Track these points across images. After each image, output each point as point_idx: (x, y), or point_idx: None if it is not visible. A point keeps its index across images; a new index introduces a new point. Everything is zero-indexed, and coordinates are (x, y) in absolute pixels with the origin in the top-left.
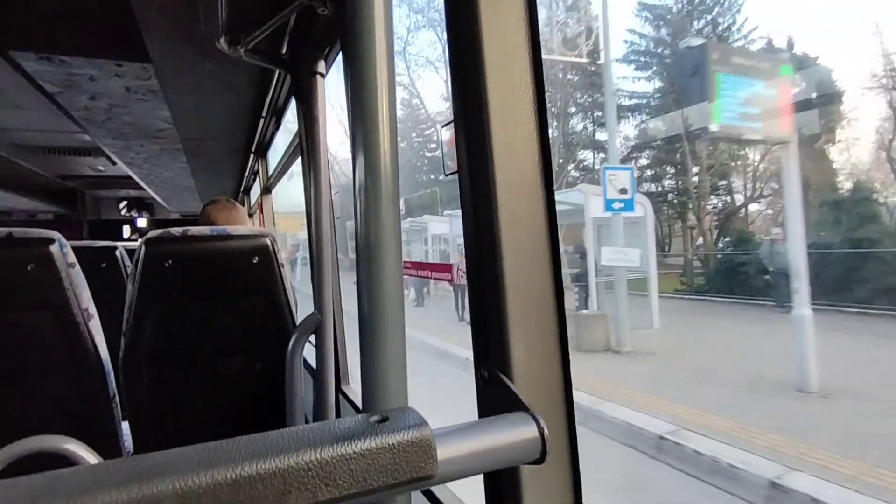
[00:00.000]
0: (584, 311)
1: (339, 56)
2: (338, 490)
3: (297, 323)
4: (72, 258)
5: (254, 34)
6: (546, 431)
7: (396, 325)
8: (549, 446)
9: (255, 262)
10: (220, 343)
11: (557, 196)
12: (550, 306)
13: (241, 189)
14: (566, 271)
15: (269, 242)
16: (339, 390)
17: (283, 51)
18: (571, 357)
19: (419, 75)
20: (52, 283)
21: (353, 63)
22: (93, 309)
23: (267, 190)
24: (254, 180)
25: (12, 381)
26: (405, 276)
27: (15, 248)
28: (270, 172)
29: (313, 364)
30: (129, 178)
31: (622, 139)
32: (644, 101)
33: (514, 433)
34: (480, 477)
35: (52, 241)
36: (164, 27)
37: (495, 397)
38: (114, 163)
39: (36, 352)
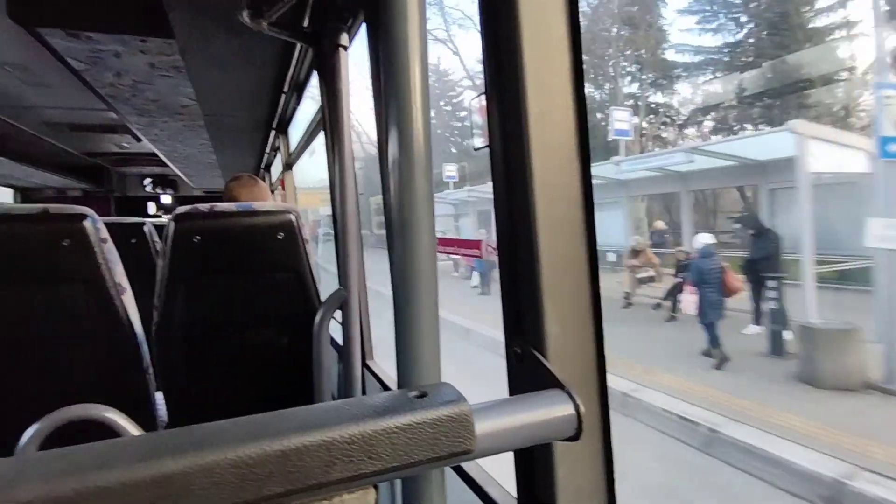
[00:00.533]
0: (817, 323)
1: (363, 28)
2: (380, 463)
3: (322, 299)
4: (104, 233)
5: (276, 7)
6: (582, 409)
7: (430, 301)
8: (584, 423)
9: (279, 237)
10: (248, 317)
11: (710, 146)
12: (585, 281)
13: (263, 166)
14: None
15: (293, 218)
16: (364, 365)
17: (305, 24)
18: (813, 393)
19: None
20: (86, 258)
21: (381, 33)
22: (125, 283)
23: (288, 166)
24: (274, 156)
25: (50, 352)
26: (460, 258)
27: (50, 224)
28: (292, 149)
29: (337, 339)
30: (153, 154)
31: None
32: None
33: (549, 410)
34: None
35: (85, 216)
36: (187, 2)
37: (528, 375)
38: (138, 139)
39: (72, 324)
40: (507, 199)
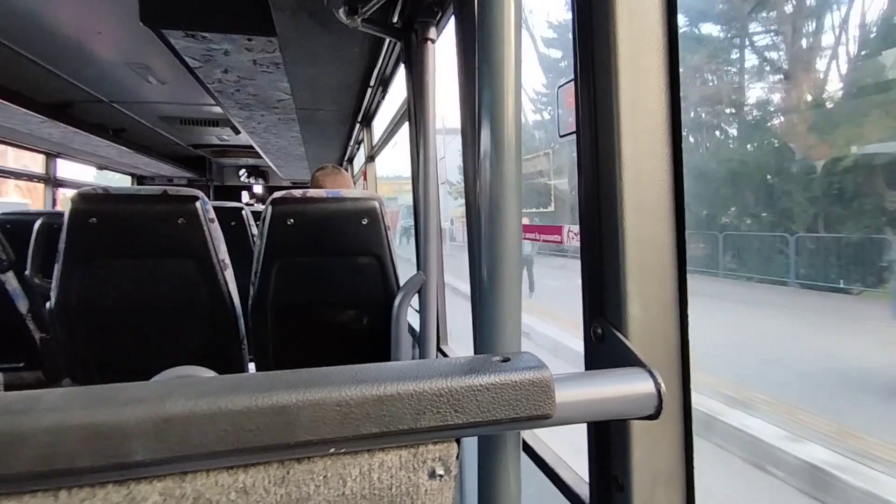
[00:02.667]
0: None
1: (451, 22)
2: (464, 417)
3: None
4: (212, 214)
5: (370, 4)
6: (663, 388)
7: (513, 276)
8: (665, 403)
9: (364, 223)
10: (333, 297)
11: None
12: (671, 265)
13: (346, 158)
14: None
15: (377, 206)
16: (438, 349)
17: (395, 20)
18: None
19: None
20: (196, 235)
21: (476, 24)
22: (228, 260)
23: (371, 158)
24: (357, 149)
25: (161, 319)
26: None
27: (169, 204)
28: (375, 141)
29: (412, 323)
30: (248, 147)
31: None
32: None
33: (629, 386)
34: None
35: (197, 198)
36: (291, 2)
37: (608, 354)
38: (237, 132)
39: (181, 295)
40: (594, 183)
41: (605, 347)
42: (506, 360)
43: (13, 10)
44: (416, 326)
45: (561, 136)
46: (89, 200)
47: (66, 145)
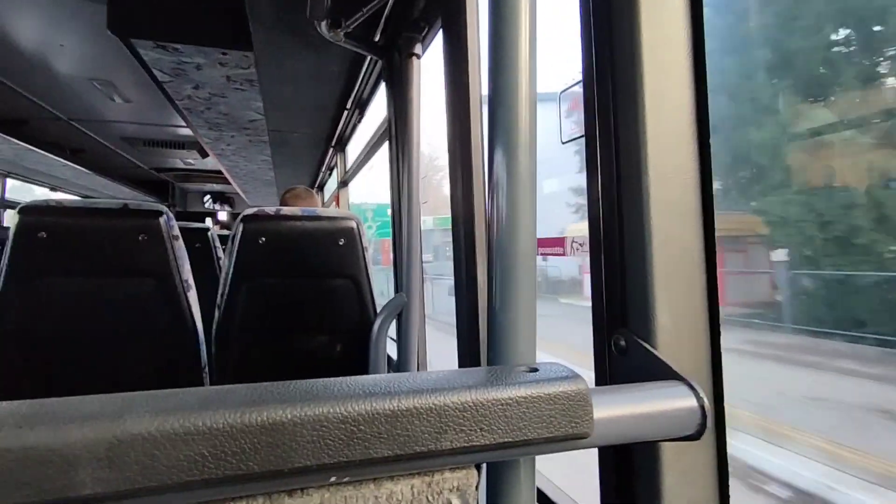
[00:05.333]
0: None
1: (438, 37)
2: (492, 436)
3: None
4: (176, 231)
5: (354, 17)
6: (707, 403)
7: (528, 283)
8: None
9: (340, 243)
10: (305, 321)
11: None
12: (700, 270)
13: (316, 185)
14: None
15: (354, 225)
16: None
17: (377, 38)
18: None
19: None
20: (158, 253)
21: (489, 28)
22: (192, 281)
23: (344, 183)
24: (329, 175)
25: (116, 342)
26: None
27: (129, 218)
28: (349, 166)
29: (388, 350)
30: (215, 172)
31: None
32: None
33: (667, 403)
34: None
35: (161, 213)
36: (270, 11)
37: (633, 368)
38: (204, 156)
39: (139, 317)
40: (612, 184)
41: (630, 361)
42: (533, 370)
43: None
44: (392, 353)
45: (563, 143)
46: (39, 212)
47: (17, 164)
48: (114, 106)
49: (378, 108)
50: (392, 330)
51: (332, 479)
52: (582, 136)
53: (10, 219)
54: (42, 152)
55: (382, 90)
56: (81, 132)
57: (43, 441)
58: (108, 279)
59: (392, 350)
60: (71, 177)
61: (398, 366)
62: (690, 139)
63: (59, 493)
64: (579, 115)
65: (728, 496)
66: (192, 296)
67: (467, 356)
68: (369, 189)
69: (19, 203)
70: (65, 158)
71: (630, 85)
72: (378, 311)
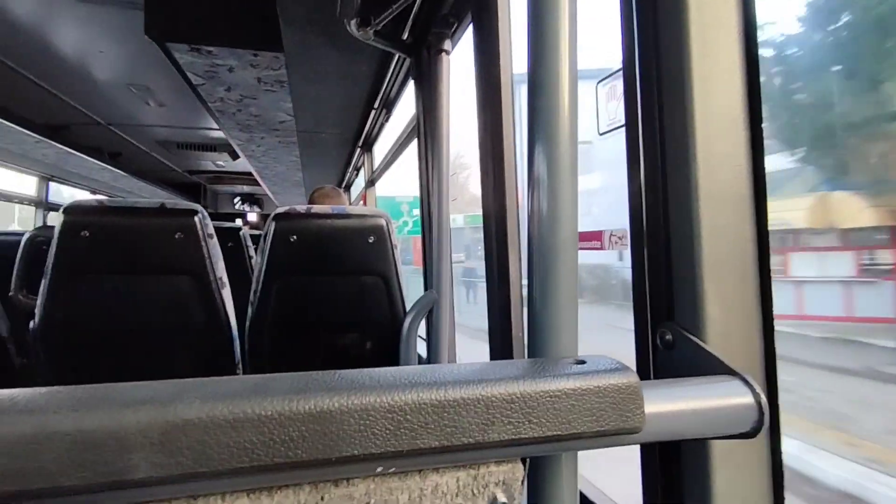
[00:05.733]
0: None
1: (466, 33)
2: (541, 429)
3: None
4: (210, 229)
5: (383, 15)
6: (763, 400)
7: (570, 276)
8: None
9: (370, 241)
10: (336, 318)
11: None
12: (752, 261)
13: (343, 185)
14: None
15: (384, 223)
16: None
17: (405, 35)
18: None
19: None
20: (194, 251)
21: (530, 16)
22: (225, 278)
23: (371, 182)
24: (356, 175)
25: (154, 337)
26: None
27: (166, 217)
28: (375, 165)
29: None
30: (245, 174)
31: None
32: None
33: (722, 399)
34: None
35: (196, 212)
36: (300, 12)
37: (682, 363)
38: (234, 157)
39: (175, 313)
40: (657, 173)
41: (678, 355)
42: (581, 362)
43: (14, 29)
44: (421, 351)
45: (601, 134)
46: (83, 212)
47: (60, 167)
48: (149, 110)
49: (404, 108)
50: (421, 328)
51: (379, 469)
52: (622, 126)
53: (56, 218)
54: (82, 156)
55: (409, 89)
56: (119, 136)
57: (99, 424)
58: (146, 276)
59: (421, 348)
60: (109, 179)
61: (429, 362)
62: (742, 125)
63: (115, 476)
64: (619, 104)
65: (783, 498)
66: (227, 293)
67: (499, 350)
68: (398, 184)
69: (60, 205)
70: (103, 162)
71: (677, 70)
72: (407, 308)
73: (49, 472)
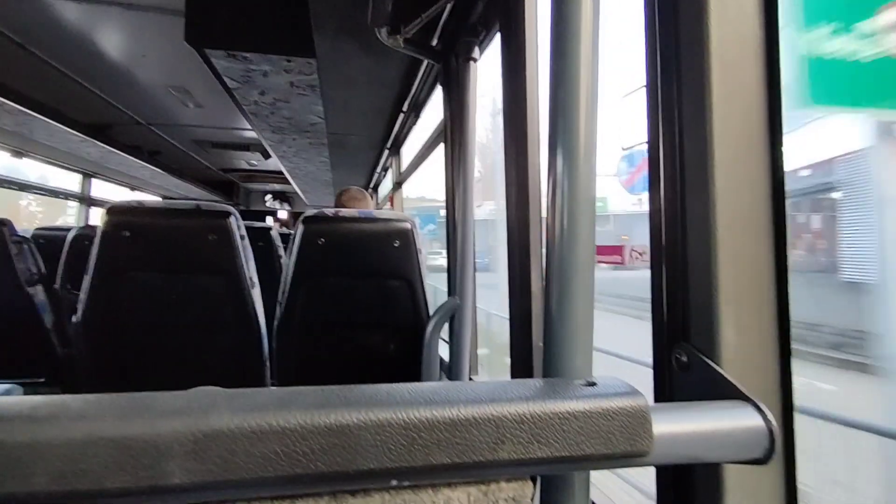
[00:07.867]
0: None
1: (494, 42)
2: (549, 449)
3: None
4: (243, 231)
5: (413, 23)
6: (775, 426)
7: (586, 295)
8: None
9: (396, 245)
10: (360, 320)
11: None
12: (770, 284)
13: (371, 186)
14: None
15: (409, 228)
16: (470, 380)
17: (434, 42)
18: None
19: None
20: (227, 251)
21: (551, 31)
22: (256, 278)
23: (398, 184)
24: (384, 176)
25: (187, 334)
26: None
27: (201, 218)
28: (403, 168)
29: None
30: (276, 172)
31: None
32: None
33: (732, 423)
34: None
35: (229, 213)
36: (332, 20)
37: (695, 385)
38: (266, 157)
39: (209, 311)
40: (675, 193)
41: (692, 377)
42: (591, 384)
43: (65, 36)
44: (443, 355)
45: (624, 150)
46: (124, 213)
47: (102, 165)
48: (187, 111)
49: (432, 112)
50: (444, 332)
51: (393, 482)
52: (644, 144)
53: (100, 217)
54: (123, 154)
55: (438, 93)
56: (158, 136)
57: (140, 432)
58: (181, 275)
59: (443, 352)
60: (147, 177)
61: (450, 367)
62: (762, 145)
63: (152, 481)
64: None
65: None
66: (256, 293)
67: (520, 365)
68: (422, 185)
69: (103, 201)
70: (143, 160)
71: (696, 87)
72: (430, 312)
73: (95, 475)
